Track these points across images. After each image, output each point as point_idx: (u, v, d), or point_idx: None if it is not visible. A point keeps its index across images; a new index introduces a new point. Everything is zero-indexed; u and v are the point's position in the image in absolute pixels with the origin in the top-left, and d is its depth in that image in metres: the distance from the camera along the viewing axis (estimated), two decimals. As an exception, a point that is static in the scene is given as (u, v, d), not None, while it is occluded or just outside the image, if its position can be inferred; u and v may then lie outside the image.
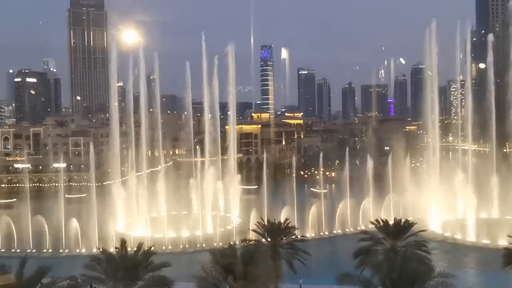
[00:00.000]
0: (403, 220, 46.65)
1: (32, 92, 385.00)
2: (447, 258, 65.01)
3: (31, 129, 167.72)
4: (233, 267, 31.74)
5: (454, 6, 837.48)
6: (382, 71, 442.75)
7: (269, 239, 47.73)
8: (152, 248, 38.59)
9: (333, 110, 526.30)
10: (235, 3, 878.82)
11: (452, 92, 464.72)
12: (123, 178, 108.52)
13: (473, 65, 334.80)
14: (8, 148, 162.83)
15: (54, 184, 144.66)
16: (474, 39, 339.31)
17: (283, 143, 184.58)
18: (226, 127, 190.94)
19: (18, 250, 72.37)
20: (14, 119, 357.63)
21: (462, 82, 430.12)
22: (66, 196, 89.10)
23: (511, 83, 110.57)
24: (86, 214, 78.80)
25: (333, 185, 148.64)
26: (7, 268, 31.05)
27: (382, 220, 46.58)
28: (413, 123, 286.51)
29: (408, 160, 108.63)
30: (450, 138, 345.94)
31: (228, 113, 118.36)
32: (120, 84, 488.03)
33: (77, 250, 73.74)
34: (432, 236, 72.67)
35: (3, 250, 74.42)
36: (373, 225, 48.22)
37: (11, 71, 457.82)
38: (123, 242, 37.67)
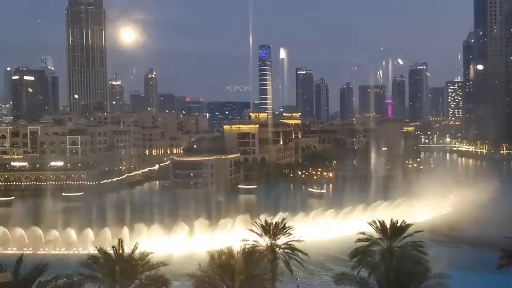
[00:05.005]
0: (399, 221, 46.72)
1: (30, 90, 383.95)
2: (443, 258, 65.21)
3: (28, 127, 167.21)
4: (230, 267, 31.79)
5: (452, 8, 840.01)
6: (380, 71, 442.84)
7: (266, 239, 47.79)
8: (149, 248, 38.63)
9: (331, 111, 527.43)
10: (234, 3, 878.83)
11: (450, 94, 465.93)
12: (120, 177, 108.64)
13: (470, 66, 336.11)
14: (5, 146, 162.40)
15: (51, 182, 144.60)
16: (472, 41, 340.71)
17: (281, 143, 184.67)
18: (224, 126, 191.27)
19: (15, 249, 72.30)
20: (12, 117, 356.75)
21: (460, 84, 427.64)
22: (63, 194, 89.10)
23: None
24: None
25: (330, 185, 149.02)
26: (4, 266, 31.03)
27: (379, 221, 46.63)
28: (411, 124, 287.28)
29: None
30: (448, 139, 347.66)
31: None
32: (119, 82, 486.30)
33: (74, 249, 73.69)
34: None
35: (0, 248, 74.30)
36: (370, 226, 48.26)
37: (8, 69, 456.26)
38: (120, 241, 37.70)
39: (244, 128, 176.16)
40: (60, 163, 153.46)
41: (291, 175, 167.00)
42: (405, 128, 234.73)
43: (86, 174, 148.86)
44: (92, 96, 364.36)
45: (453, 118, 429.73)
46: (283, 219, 53.40)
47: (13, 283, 28.87)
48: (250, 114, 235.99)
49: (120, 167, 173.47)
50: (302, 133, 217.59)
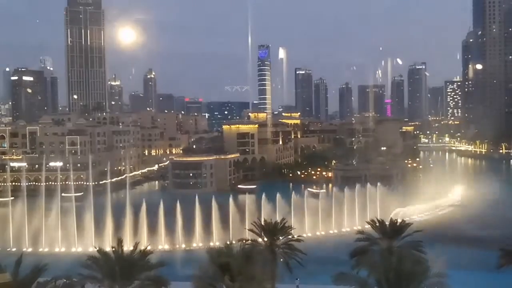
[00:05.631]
0: (399, 221, 46.80)
1: (29, 90, 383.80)
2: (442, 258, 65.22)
3: (27, 128, 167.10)
4: (230, 266, 31.75)
5: (452, 7, 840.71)
6: (379, 71, 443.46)
7: (265, 239, 47.78)
8: (149, 248, 38.64)
9: (330, 110, 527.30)
10: (232, 2, 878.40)
11: (449, 93, 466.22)
12: (119, 177, 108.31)
13: (469, 65, 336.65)
14: (4, 147, 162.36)
15: (50, 183, 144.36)
16: (471, 40, 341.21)
17: (280, 143, 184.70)
18: (224, 126, 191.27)
19: (14, 249, 72.29)
20: (10, 118, 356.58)
21: (459, 83, 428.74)
22: (62, 194, 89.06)
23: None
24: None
25: (330, 185, 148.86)
26: (3, 266, 30.94)
27: (378, 220, 46.69)
28: (410, 123, 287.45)
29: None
30: (447, 139, 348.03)
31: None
32: (118, 83, 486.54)
33: (73, 249, 73.68)
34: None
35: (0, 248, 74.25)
36: (369, 225, 48.33)
37: (7, 69, 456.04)
38: (120, 241, 37.69)
39: (243, 128, 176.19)
40: (59, 164, 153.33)
41: (291, 175, 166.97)
42: (404, 127, 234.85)
43: (85, 174, 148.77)
44: (91, 97, 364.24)
45: (452, 118, 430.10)
46: (283, 218, 53.47)
47: (12, 283, 28.78)
48: (249, 114, 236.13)
49: (120, 168, 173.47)
50: (302, 133, 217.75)
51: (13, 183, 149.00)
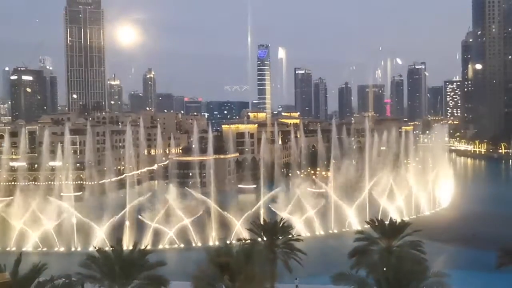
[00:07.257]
0: (398, 220, 46.82)
1: (28, 90, 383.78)
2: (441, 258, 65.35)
3: (27, 127, 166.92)
4: (229, 266, 31.74)
5: (451, 7, 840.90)
6: (379, 71, 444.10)
7: (265, 239, 47.75)
8: (148, 247, 38.63)
9: (329, 110, 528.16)
10: (232, 2, 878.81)
11: (449, 93, 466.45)
12: (119, 177, 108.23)
13: (469, 65, 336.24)
14: (3, 147, 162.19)
15: (50, 182, 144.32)
16: (471, 40, 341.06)
17: (280, 142, 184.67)
18: (223, 126, 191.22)
19: (14, 248, 72.28)
20: (10, 117, 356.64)
21: (458, 83, 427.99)
22: (62, 194, 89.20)
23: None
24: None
25: (329, 184, 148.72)
26: (3, 266, 30.92)
27: (378, 220, 46.70)
28: (409, 123, 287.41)
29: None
30: (446, 139, 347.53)
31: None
32: (117, 82, 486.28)
33: (73, 248, 73.65)
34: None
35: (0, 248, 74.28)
36: (369, 225, 48.34)
37: (7, 69, 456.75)
38: (119, 241, 37.68)
39: (243, 127, 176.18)
40: (58, 163, 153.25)
41: (290, 174, 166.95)
42: (403, 127, 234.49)
43: (85, 174, 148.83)
44: (91, 96, 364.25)
45: (451, 118, 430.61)
46: (282, 218, 53.47)
47: (12, 283, 28.78)
48: (249, 113, 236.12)
49: (119, 167, 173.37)
50: (301, 133, 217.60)
51: (13, 183, 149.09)
